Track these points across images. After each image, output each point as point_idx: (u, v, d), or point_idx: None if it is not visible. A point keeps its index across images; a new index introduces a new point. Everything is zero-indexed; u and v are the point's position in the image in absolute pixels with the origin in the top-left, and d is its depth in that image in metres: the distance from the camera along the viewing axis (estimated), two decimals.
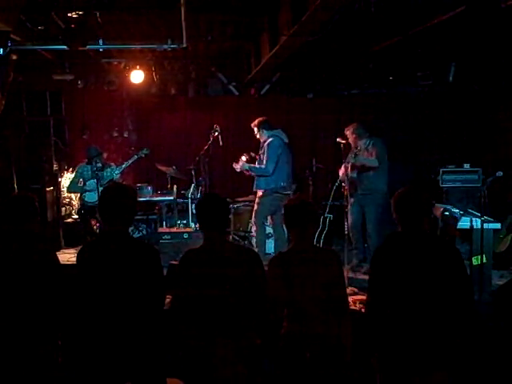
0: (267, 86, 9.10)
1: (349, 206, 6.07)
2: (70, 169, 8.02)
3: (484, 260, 5.06)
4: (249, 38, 7.35)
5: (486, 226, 5.08)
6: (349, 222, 6.00)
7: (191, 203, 7.26)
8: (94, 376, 2.92)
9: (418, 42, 6.34)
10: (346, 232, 5.78)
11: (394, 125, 8.59)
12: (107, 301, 2.93)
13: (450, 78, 6.95)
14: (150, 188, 7.80)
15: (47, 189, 7.31)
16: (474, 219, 5.17)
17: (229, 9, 5.94)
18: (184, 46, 5.74)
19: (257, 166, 6.24)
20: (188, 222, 7.22)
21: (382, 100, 8.80)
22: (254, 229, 6.27)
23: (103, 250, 3.01)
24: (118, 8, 5.60)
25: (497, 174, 5.62)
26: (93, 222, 7.02)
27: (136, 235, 7.69)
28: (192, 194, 7.32)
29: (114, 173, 7.03)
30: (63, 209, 7.82)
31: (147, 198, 7.60)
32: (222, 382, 3.00)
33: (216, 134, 6.73)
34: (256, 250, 5.64)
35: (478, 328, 3.87)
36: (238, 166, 6.31)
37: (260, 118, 6.32)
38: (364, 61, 7.65)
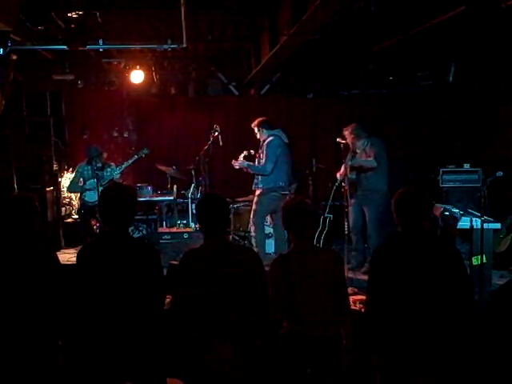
0: (267, 86, 9.10)
1: (349, 207, 6.07)
2: (70, 169, 8.02)
3: (484, 260, 5.06)
4: (249, 38, 7.36)
5: (486, 225, 5.08)
6: (350, 222, 6.00)
7: (191, 203, 7.26)
8: (94, 376, 2.92)
9: (417, 42, 6.34)
10: (346, 232, 5.77)
11: (394, 125, 8.59)
12: (107, 301, 2.93)
13: (450, 78, 6.95)
14: (149, 188, 7.80)
15: (47, 189, 7.31)
16: (474, 219, 5.17)
17: (229, 9, 5.94)
18: (184, 46, 5.73)
19: (256, 164, 6.25)
20: (188, 221, 7.22)
21: (382, 100, 8.80)
22: (252, 229, 6.25)
23: (103, 250, 3.01)
24: (117, 8, 5.61)
25: (497, 173, 5.62)
26: (93, 222, 7.02)
27: (136, 235, 7.69)
28: (192, 193, 7.32)
29: (114, 173, 7.03)
30: (63, 209, 7.82)
31: (147, 198, 7.59)
32: (222, 382, 3.00)
33: (216, 133, 6.73)
34: (256, 250, 5.63)
35: (478, 328, 3.87)
36: (236, 164, 6.31)
37: (260, 118, 6.32)
38: (364, 61, 7.65)
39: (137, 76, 7.71)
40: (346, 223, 5.85)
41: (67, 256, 6.22)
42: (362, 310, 4.23)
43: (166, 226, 7.43)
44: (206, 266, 3.05)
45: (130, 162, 7.16)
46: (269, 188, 6.12)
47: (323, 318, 3.14)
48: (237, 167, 6.34)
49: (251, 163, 6.28)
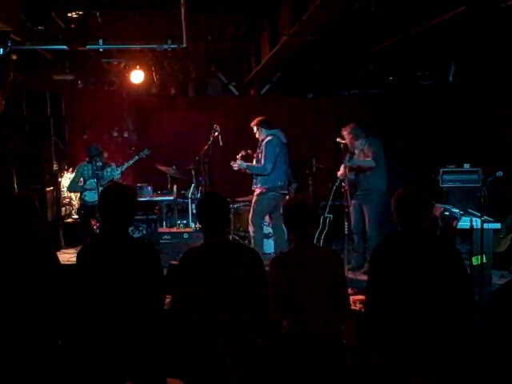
0: (267, 86, 9.11)
1: (350, 207, 6.07)
2: (70, 169, 8.02)
3: (484, 260, 5.06)
4: (249, 38, 7.35)
5: (486, 225, 5.08)
6: (351, 223, 6.00)
7: (191, 203, 7.26)
8: (94, 376, 2.92)
9: (417, 42, 6.33)
10: (346, 232, 5.78)
11: (394, 125, 8.60)
12: (107, 301, 2.93)
13: (450, 78, 6.95)
14: (149, 188, 7.80)
15: (47, 189, 7.31)
16: (474, 219, 5.17)
17: (229, 9, 5.94)
18: (184, 46, 5.73)
19: (255, 164, 6.24)
20: (188, 221, 7.22)
21: (382, 100, 8.80)
22: (251, 229, 6.23)
23: (103, 250, 3.01)
24: (117, 8, 5.61)
25: (497, 173, 5.62)
26: (93, 222, 7.02)
27: (136, 235, 7.69)
28: (192, 193, 7.32)
29: (114, 173, 7.03)
30: (63, 209, 7.82)
31: (147, 198, 7.60)
32: (222, 382, 3.00)
33: (216, 134, 6.73)
34: None
35: (478, 328, 3.87)
36: (235, 165, 6.30)
37: (259, 117, 6.31)
38: (364, 61, 7.65)
39: (137, 76, 7.71)
40: (346, 223, 5.85)
41: (67, 256, 6.23)
42: (362, 310, 4.24)
43: (166, 226, 7.43)
44: (206, 266, 3.05)
45: (131, 162, 7.16)
46: (267, 188, 6.11)
47: (323, 317, 3.14)
48: (236, 168, 6.33)
49: (250, 164, 6.27)
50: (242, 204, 7.44)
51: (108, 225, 3.04)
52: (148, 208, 7.76)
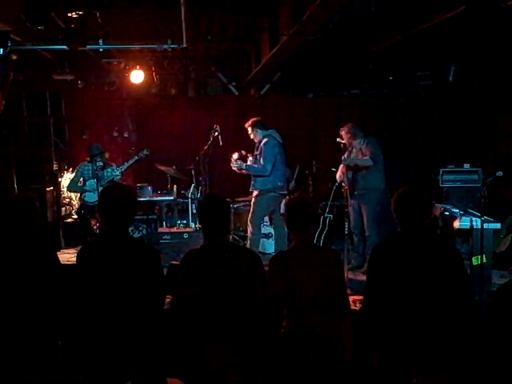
0: (267, 86, 9.10)
1: (349, 207, 6.08)
2: (70, 169, 8.02)
3: (484, 260, 5.06)
4: (249, 38, 7.35)
5: (486, 225, 5.08)
6: (350, 223, 6.01)
7: (191, 203, 7.26)
8: (94, 376, 2.92)
9: (418, 42, 6.33)
10: (346, 232, 5.78)
11: (394, 125, 8.60)
12: (107, 301, 2.93)
13: (450, 78, 6.95)
14: (149, 188, 7.80)
15: (47, 189, 7.31)
16: (474, 219, 5.17)
17: (229, 9, 5.93)
18: (184, 45, 5.73)
19: (254, 165, 6.22)
20: (188, 221, 7.23)
21: (382, 100, 8.80)
22: (249, 230, 6.19)
23: (103, 250, 3.01)
24: (117, 8, 5.60)
25: (497, 173, 5.62)
26: (93, 222, 7.02)
27: (136, 235, 7.69)
28: (192, 193, 7.32)
29: (115, 173, 7.03)
30: (63, 209, 7.82)
31: (147, 198, 7.60)
32: (221, 382, 3.00)
33: (216, 133, 6.73)
34: None
35: (478, 328, 3.87)
36: (235, 165, 6.29)
37: (254, 118, 6.29)
38: (364, 61, 7.65)
39: (137, 76, 7.71)
40: (346, 223, 5.85)
41: (67, 256, 6.23)
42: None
43: (166, 226, 7.44)
44: (207, 267, 3.05)
45: (131, 162, 7.17)
46: (267, 189, 6.09)
47: (323, 317, 3.14)
48: (234, 169, 6.32)
49: (249, 164, 6.25)
50: (241, 204, 7.45)
51: (108, 225, 3.04)
52: (148, 208, 7.76)
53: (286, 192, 6.27)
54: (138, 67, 7.67)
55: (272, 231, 6.74)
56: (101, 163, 6.94)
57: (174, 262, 5.16)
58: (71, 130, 8.36)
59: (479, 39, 6.02)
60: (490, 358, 3.76)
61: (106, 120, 8.68)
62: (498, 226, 5.25)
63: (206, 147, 6.88)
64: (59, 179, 7.66)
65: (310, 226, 3.35)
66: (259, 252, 5.90)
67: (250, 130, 6.27)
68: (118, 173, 7.04)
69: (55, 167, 7.56)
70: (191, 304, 3.04)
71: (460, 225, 5.26)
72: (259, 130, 6.22)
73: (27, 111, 7.67)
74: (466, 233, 5.31)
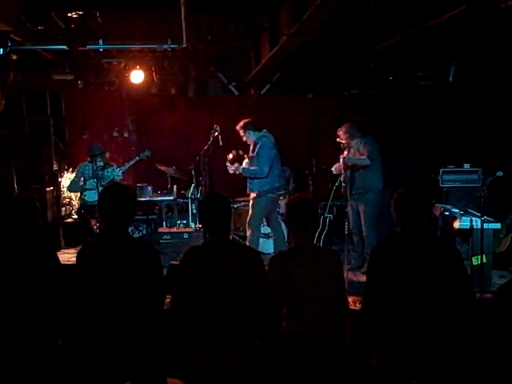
0: (267, 86, 9.10)
1: (348, 208, 6.08)
2: (70, 169, 8.02)
3: (484, 260, 5.06)
4: (249, 37, 7.35)
5: (486, 225, 5.08)
6: (349, 223, 6.01)
7: (191, 203, 7.26)
8: (94, 376, 2.92)
9: (418, 42, 6.33)
10: (346, 232, 5.78)
11: (394, 125, 8.59)
12: (107, 301, 2.93)
13: (450, 78, 6.94)
14: (149, 188, 7.80)
15: (47, 189, 7.31)
16: (473, 219, 5.17)
17: (229, 9, 5.93)
18: (184, 45, 5.73)
19: (251, 168, 6.16)
20: (188, 221, 7.23)
21: (382, 100, 8.80)
22: (248, 232, 6.14)
23: (103, 250, 3.01)
24: (117, 8, 5.60)
25: (497, 173, 5.62)
26: (93, 222, 7.02)
27: (136, 235, 7.69)
28: (192, 193, 7.32)
29: (115, 173, 7.03)
30: (63, 209, 7.82)
31: (147, 198, 7.59)
32: (222, 382, 3.00)
33: (216, 133, 6.71)
34: None
35: (478, 328, 3.87)
36: (232, 168, 6.27)
37: (245, 120, 6.23)
38: (364, 61, 7.64)
39: (137, 76, 7.71)
40: (346, 223, 5.86)
41: (67, 256, 6.23)
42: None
43: (166, 226, 7.44)
44: (207, 265, 3.06)
45: (132, 163, 7.17)
46: (265, 190, 6.07)
47: (322, 317, 3.14)
48: (231, 172, 6.30)
49: (246, 167, 6.20)
50: (242, 204, 7.44)
51: (108, 225, 3.05)
52: (148, 208, 7.76)
53: (283, 192, 6.26)
54: (138, 67, 7.67)
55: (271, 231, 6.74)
56: (101, 163, 6.95)
57: (174, 262, 5.16)
58: (71, 130, 8.36)
59: (479, 39, 6.02)
60: (490, 358, 3.75)
61: (106, 120, 8.68)
62: (498, 226, 5.25)
63: (206, 147, 6.87)
64: (59, 179, 7.66)
65: (310, 226, 3.35)
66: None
67: (241, 132, 6.20)
68: (119, 173, 7.04)
69: (55, 167, 7.56)
70: (191, 303, 3.05)
71: (460, 225, 5.26)
72: (252, 132, 6.16)
73: (27, 111, 7.67)
74: (466, 233, 5.32)
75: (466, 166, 6.75)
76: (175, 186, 7.61)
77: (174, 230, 7.00)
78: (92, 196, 6.93)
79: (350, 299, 4.56)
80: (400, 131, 8.55)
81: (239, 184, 7.82)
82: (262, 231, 6.57)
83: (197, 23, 6.53)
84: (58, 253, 3.94)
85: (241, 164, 6.31)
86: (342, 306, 3.27)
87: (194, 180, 7.38)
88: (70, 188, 7.50)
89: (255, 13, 6.14)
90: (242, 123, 6.21)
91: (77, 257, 3.06)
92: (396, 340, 2.94)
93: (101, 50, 6.51)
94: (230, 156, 6.34)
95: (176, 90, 8.83)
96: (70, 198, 8.03)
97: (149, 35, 6.71)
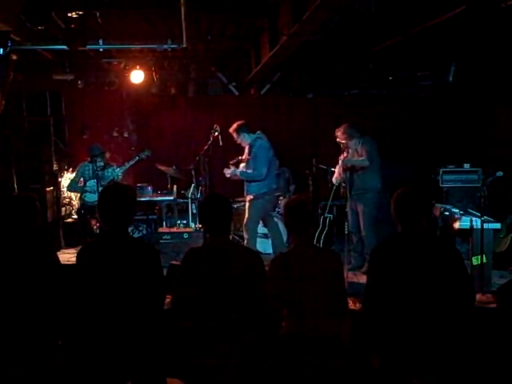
0: (267, 86, 9.10)
1: (347, 208, 6.08)
2: (70, 169, 8.02)
3: (484, 260, 5.06)
4: (249, 38, 7.35)
5: (486, 225, 5.08)
6: (349, 223, 6.01)
7: (191, 203, 7.26)
8: (94, 376, 2.92)
9: (418, 42, 6.33)
10: (346, 232, 5.78)
11: (394, 125, 8.59)
12: (107, 301, 2.93)
13: (450, 78, 6.95)
14: (149, 188, 7.80)
15: (47, 189, 7.30)
16: (473, 219, 5.17)
17: (229, 9, 5.93)
18: (184, 45, 5.74)
19: (248, 171, 6.10)
20: (188, 221, 7.22)
21: (382, 100, 8.80)
22: (245, 234, 6.11)
23: (103, 250, 3.01)
24: (117, 8, 5.60)
25: (497, 173, 5.62)
26: (93, 222, 7.02)
27: (136, 235, 7.69)
28: (192, 193, 7.32)
29: (115, 174, 7.02)
30: (63, 209, 7.82)
31: (147, 198, 7.59)
32: (221, 382, 3.00)
33: (216, 133, 6.71)
34: None
35: (478, 328, 3.87)
36: (228, 172, 6.24)
37: (238, 122, 6.17)
38: (364, 61, 7.64)
39: (137, 76, 7.71)
40: (346, 223, 5.85)
41: (67, 256, 6.23)
42: (361, 310, 4.23)
43: (166, 226, 7.44)
44: (207, 265, 3.06)
45: (132, 163, 7.17)
46: (263, 193, 6.05)
47: (322, 318, 3.14)
48: (228, 176, 6.27)
49: (243, 170, 6.15)
50: (241, 204, 7.43)
51: (108, 225, 3.05)
52: (148, 208, 7.76)
53: (280, 193, 6.25)
54: (138, 67, 7.67)
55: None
56: (101, 163, 6.95)
57: (174, 262, 5.16)
58: (71, 130, 8.36)
59: (479, 39, 6.02)
60: (490, 358, 3.75)
61: (106, 120, 8.68)
62: (498, 226, 5.25)
63: (206, 147, 6.86)
64: (59, 179, 7.65)
65: (309, 228, 3.35)
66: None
67: (235, 135, 6.14)
68: (119, 173, 7.04)
69: (55, 167, 7.56)
70: (191, 303, 3.05)
71: (460, 225, 5.26)
72: (246, 134, 6.11)
73: (27, 111, 7.67)
74: (466, 233, 5.31)
75: (466, 166, 6.75)
76: (175, 186, 7.61)
77: (174, 229, 6.99)
78: (92, 196, 6.93)
79: (350, 299, 4.56)
80: (400, 131, 8.55)
81: (239, 184, 7.82)
82: (260, 231, 6.57)
83: (197, 23, 6.53)
84: (58, 253, 3.94)
85: (238, 167, 6.28)
86: (342, 306, 3.27)
87: (193, 180, 7.37)
88: (70, 188, 7.49)
89: (255, 13, 6.15)
90: (234, 126, 6.14)
91: (77, 257, 3.06)
92: (396, 340, 2.94)
93: (101, 50, 6.51)
94: (232, 162, 6.31)
95: (176, 90, 8.83)
96: (70, 198, 8.03)
97: (149, 35, 6.71)
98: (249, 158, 6.12)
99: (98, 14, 5.53)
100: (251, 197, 6.12)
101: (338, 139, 6.17)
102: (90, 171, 7.02)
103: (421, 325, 2.89)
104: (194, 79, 8.96)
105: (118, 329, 2.91)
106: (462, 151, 8.10)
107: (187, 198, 7.39)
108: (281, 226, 6.45)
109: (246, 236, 6.16)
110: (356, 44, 6.86)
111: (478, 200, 5.48)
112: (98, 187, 6.66)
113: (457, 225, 5.29)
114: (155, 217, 7.75)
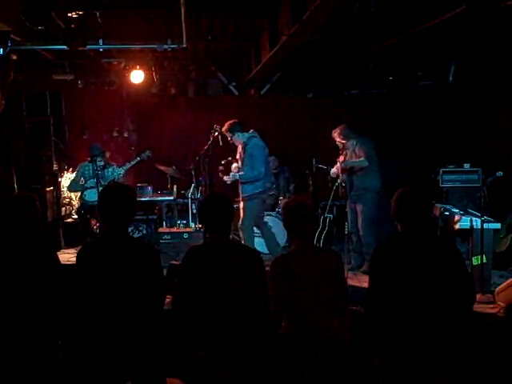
0: (267, 86, 9.10)
1: (347, 208, 6.08)
2: (70, 169, 8.02)
3: (484, 260, 5.06)
4: (249, 38, 7.35)
5: (486, 225, 5.08)
6: (349, 223, 6.02)
7: (191, 203, 7.26)
8: (94, 376, 2.92)
9: (417, 42, 6.33)
10: (346, 232, 5.78)
11: (394, 125, 8.59)
12: (107, 301, 2.93)
13: (450, 78, 6.94)
14: (150, 188, 7.80)
15: (47, 189, 7.30)
16: (473, 219, 5.17)
17: (229, 9, 5.93)
18: (184, 45, 5.74)
19: (248, 172, 6.03)
20: (188, 221, 7.22)
21: (382, 100, 8.80)
22: (242, 234, 6.06)
23: (103, 250, 3.01)
24: (117, 8, 5.61)
25: (497, 173, 5.62)
26: (93, 222, 7.02)
27: (136, 235, 7.67)
28: (192, 193, 7.32)
29: (116, 173, 7.02)
30: (63, 209, 7.82)
31: (147, 198, 7.59)
32: (221, 382, 3.00)
33: (216, 134, 6.70)
34: None
35: (479, 328, 3.88)
36: (227, 179, 6.17)
37: (230, 121, 6.11)
38: (364, 61, 7.64)
39: (137, 76, 7.71)
40: (346, 223, 5.86)
41: (67, 256, 6.23)
42: (362, 310, 4.23)
43: (166, 226, 7.44)
44: (208, 265, 3.06)
45: (133, 163, 7.16)
46: (259, 192, 6.03)
47: (322, 318, 3.14)
48: (229, 182, 6.22)
49: (242, 173, 6.08)
50: None
51: (108, 225, 3.05)
52: (148, 208, 7.75)
53: (273, 192, 6.23)
54: (138, 67, 7.67)
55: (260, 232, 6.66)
56: (101, 163, 6.94)
57: (174, 262, 5.16)
58: (71, 130, 8.36)
59: (479, 39, 6.01)
60: (490, 358, 3.76)
61: (106, 120, 8.68)
62: (498, 225, 5.25)
63: (206, 147, 6.86)
64: (59, 179, 7.65)
65: (308, 228, 3.35)
66: None
67: (228, 134, 6.09)
68: (120, 172, 7.03)
69: (55, 167, 7.56)
70: (192, 303, 3.05)
71: (460, 225, 5.26)
72: (240, 134, 6.06)
73: (27, 111, 7.66)
74: (466, 233, 5.31)
75: (466, 166, 6.75)
76: (175, 186, 7.61)
77: (174, 229, 7.00)
78: (92, 196, 6.92)
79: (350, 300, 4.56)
80: (400, 131, 8.55)
81: (239, 184, 7.84)
82: (257, 231, 6.55)
83: (197, 23, 6.53)
84: (58, 253, 3.94)
85: (229, 167, 6.23)
86: (343, 307, 3.26)
87: (193, 180, 7.37)
88: (70, 188, 7.49)
89: (255, 13, 6.15)
90: (227, 125, 6.08)
91: (77, 257, 3.05)
92: (398, 339, 2.94)
93: (101, 50, 6.51)
94: (221, 168, 6.30)
95: (176, 90, 8.83)
96: (70, 198, 8.03)
97: (149, 35, 6.71)
98: (243, 157, 6.09)
99: (97, 14, 5.53)
100: (246, 196, 6.07)
101: (335, 140, 6.18)
102: (90, 171, 7.02)
103: (422, 324, 2.89)
104: (193, 79, 8.96)
105: (118, 329, 2.91)
106: (462, 151, 8.10)
107: (187, 198, 7.39)
108: (280, 225, 6.41)
109: (242, 236, 6.11)
110: (356, 44, 6.86)
111: (478, 200, 5.48)
112: (97, 187, 6.65)
113: (457, 225, 5.29)
114: (155, 217, 7.74)
